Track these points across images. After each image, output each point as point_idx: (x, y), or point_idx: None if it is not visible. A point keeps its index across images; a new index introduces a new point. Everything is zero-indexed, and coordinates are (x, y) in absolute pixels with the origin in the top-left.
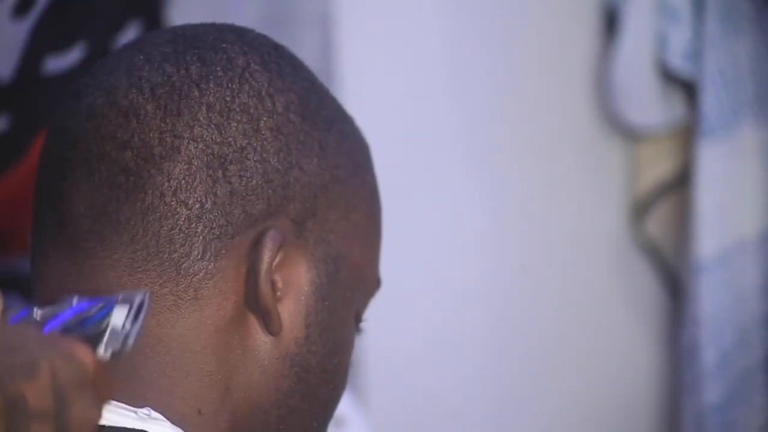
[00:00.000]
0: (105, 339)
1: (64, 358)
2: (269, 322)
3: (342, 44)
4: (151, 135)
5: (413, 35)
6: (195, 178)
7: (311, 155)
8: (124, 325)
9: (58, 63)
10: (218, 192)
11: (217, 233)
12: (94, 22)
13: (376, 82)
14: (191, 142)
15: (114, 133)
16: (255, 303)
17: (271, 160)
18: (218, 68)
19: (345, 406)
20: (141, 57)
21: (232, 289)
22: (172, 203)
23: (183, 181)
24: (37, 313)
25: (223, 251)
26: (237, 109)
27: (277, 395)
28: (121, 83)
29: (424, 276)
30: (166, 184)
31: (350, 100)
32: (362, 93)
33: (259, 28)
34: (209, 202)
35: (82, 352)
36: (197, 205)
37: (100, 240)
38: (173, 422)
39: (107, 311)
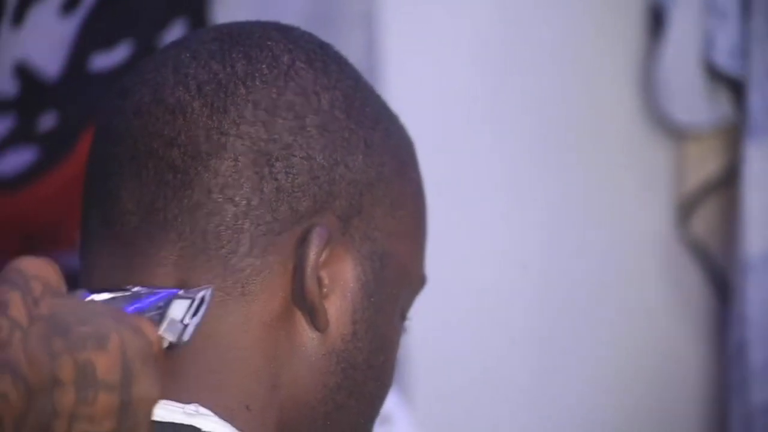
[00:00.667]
0: (163, 327)
1: (132, 332)
2: (316, 318)
3: (386, 43)
4: (197, 132)
5: (456, 34)
6: (241, 175)
7: (356, 152)
8: (183, 318)
9: (105, 60)
10: (265, 189)
11: (264, 230)
12: (140, 20)
13: (419, 80)
14: (237, 139)
15: (161, 131)
16: (302, 299)
17: (317, 157)
18: (264, 66)
19: (391, 404)
20: (187, 54)
21: (279, 286)
22: (219, 200)
23: (230, 178)
24: (95, 298)
25: (270, 248)
26: (283, 107)
27: (324, 392)
28: (168, 80)
29: (470, 273)
30: (213, 181)
31: (394, 99)
32: (406, 91)
33: (304, 26)
34: (256, 199)
35: (149, 328)
36: (244, 202)
37: (148, 237)
38: (221, 418)
39: (167, 302)
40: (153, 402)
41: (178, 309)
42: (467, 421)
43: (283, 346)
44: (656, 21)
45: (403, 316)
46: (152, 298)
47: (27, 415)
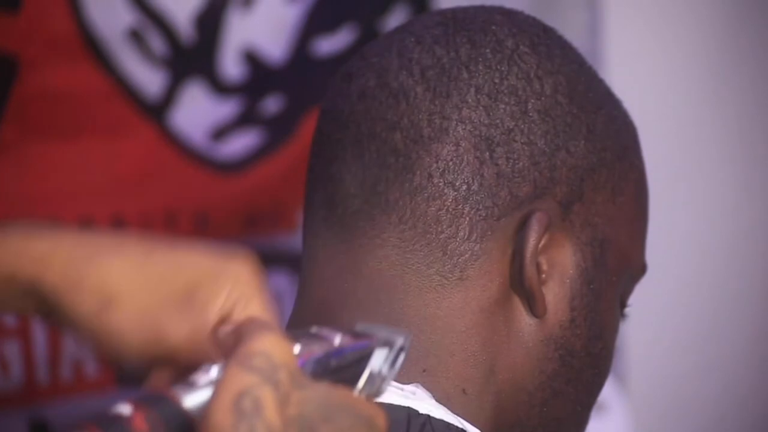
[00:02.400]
0: (362, 383)
1: (368, 427)
2: (534, 304)
3: (609, 26)
4: (420, 117)
5: (684, 17)
6: (462, 159)
7: (578, 138)
8: (382, 369)
9: (328, 45)
10: (485, 174)
11: (484, 215)
12: (362, 5)
13: (643, 64)
14: (459, 123)
15: (384, 115)
16: (520, 285)
17: (538, 142)
18: (487, 50)
19: (607, 392)
20: (412, 39)
21: (498, 271)
22: (440, 184)
23: (451, 163)
24: (297, 349)
25: (489, 233)
26: (505, 91)
27: (542, 378)
28: (392, 65)
29: (690, 262)
30: (435, 165)
31: (617, 83)
32: (629, 76)
33: (526, 10)
34: (476, 184)
35: (380, 418)
36: (464, 187)
37: (370, 219)
38: (438, 401)
39: (367, 354)
40: None
41: (377, 360)
42: (684, 409)
43: (500, 331)
44: None
45: (622, 304)
46: (353, 351)
47: None
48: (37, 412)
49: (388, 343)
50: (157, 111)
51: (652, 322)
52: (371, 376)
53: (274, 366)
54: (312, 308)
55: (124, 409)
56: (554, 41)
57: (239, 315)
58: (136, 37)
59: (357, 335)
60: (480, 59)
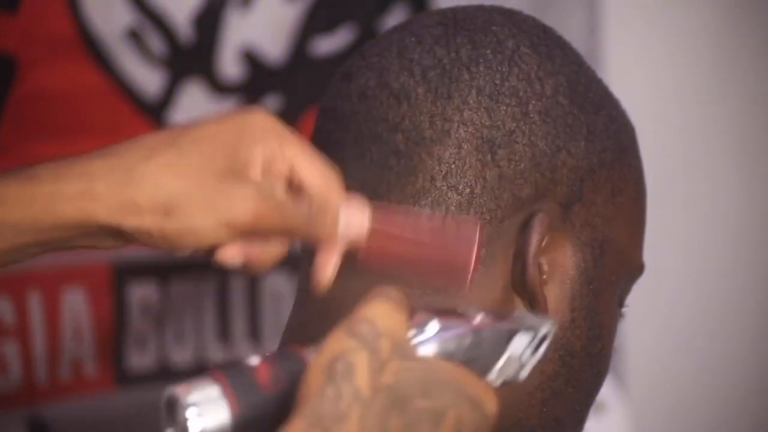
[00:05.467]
0: (499, 366)
1: (471, 406)
2: (535, 304)
3: (608, 26)
4: (421, 118)
5: (683, 17)
6: (465, 162)
7: (579, 138)
8: (523, 354)
9: (327, 44)
10: (487, 176)
11: (487, 218)
12: (361, 4)
13: (642, 65)
14: (461, 125)
15: (385, 115)
16: (522, 286)
17: (540, 143)
18: (488, 51)
19: (606, 391)
20: (412, 39)
21: (500, 272)
22: (443, 188)
23: (453, 166)
24: (433, 329)
25: (494, 235)
26: (506, 93)
27: (542, 378)
28: (393, 65)
29: (690, 262)
30: (437, 168)
31: (615, 83)
32: (628, 76)
33: (525, 10)
34: (479, 187)
35: (490, 402)
36: (467, 190)
37: None
38: None
39: (509, 336)
40: None
41: (519, 344)
42: (683, 409)
43: None
44: None
45: (620, 304)
46: (494, 334)
47: None
48: (35, 412)
49: (531, 328)
50: (156, 110)
51: (651, 322)
52: (509, 359)
53: (377, 333)
54: (313, 309)
55: (253, 360)
56: (554, 41)
57: (281, 161)
58: (135, 37)
59: (500, 317)
60: (481, 60)
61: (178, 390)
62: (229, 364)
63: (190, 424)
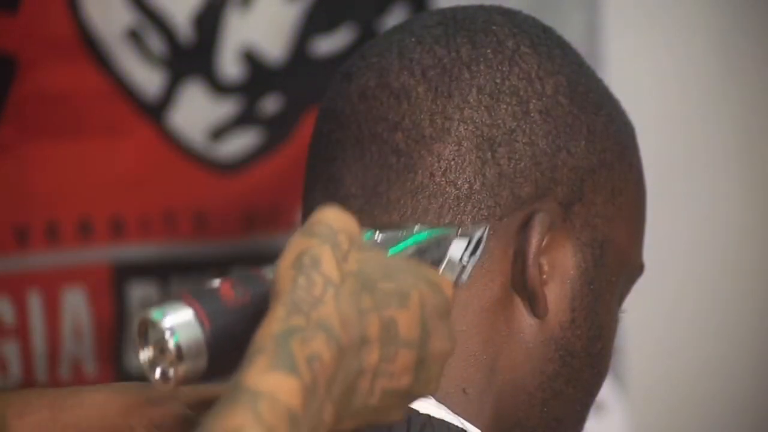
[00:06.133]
0: (441, 269)
1: (430, 288)
2: (535, 304)
3: (608, 26)
4: (422, 117)
5: (682, 18)
6: (465, 159)
7: (579, 138)
8: (461, 258)
9: (327, 44)
10: (487, 173)
11: (486, 214)
12: (361, 4)
13: (642, 65)
14: (461, 123)
15: (386, 115)
16: (522, 285)
17: (540, 142)
18: (488, 50)
19: (605, 391)
20: (412, 39)
21: (499, 271)
22: (442, 183)
23: (453, 162)
24: (379, 236)
25: (491, 233)
26: (507, 92)
27: (542, 378)
28: (393, 65)
29: (690, 262)
30: (437, 164)
31: (615, 84)
32: (628, 76)
33: (525, 10)
34: (478, 183)
35: (445, 283)
36: (466, 186)
37: (371, 219)
38: (438, 401)
39: (446, 242)
40: (447, 356)
41: (457, 249)
42: (683, 409)
43: (501, 331)
44: None
45: (620, 304)
46: (429, 236)
47: (337, 375)
48: None
49: (466, 234)
50: (156, 111)
51: (651, 322)
52: (451, 262)
53: (333, 230)
54: None
55: (215, 281)
56: (554, 41)
57: None
58: (134, 37)
59: (436, 227)
60: (481, 59)
61: (153, 313)
62: (195, 287)
63: (169, 345)
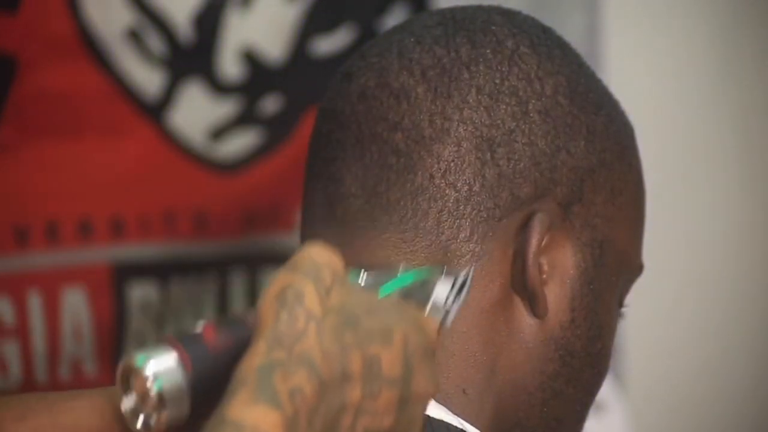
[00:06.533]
0: (426, 312)
1: (414, 327)
2: (535, 304)
3: (608, 27)
4: (421, 117)
5: (682, 19)
6: (464, 160)
7: (579, 138)
8: (446, 300)
9: (326, 44)
10: (486, 174)
11: (485, 215)
12: (361, 4)
13: (641, 66)
14: (461, 124)
15: (385, 115)
16: (522, 285)
17: (539, 143)
18: (488, 51)
19: (605, 391)
20: (412, 39)
21: (499, 272)
22: (442, 185)
23: (452, 163)
24: (364, 276)
25: (490, 234)
26: (506, 92)
27: (542, 378)
28: (393, 65)
29: (690, 262)
30: (436, 165)
31: (615, 84)
32: (627, 77)
33: (525, 10)
34: (477, 185)
35: (428, 322)
36: (466, 187)
37: (370, 219)
38: (437, 401)
39: (431, 283)
40: (429, 397)
41: (442, 291)
42: (683, 409)
43: (501, 331)
44: None
45: (620, 304)
46: (415, 279)
47: (318, 410)
48: None
49: (451, 275)
50: (156, 111)
51: (651, 322)
52: (435, 306)
53: (317, 266)
54: None
55: (199, 326)
56: (554, 42)
57: None
58: (134, 36)
59: (422, 267)
60: (481, 59)
61: (136, 359)
62: (180, 332)
63: (151, 392)
